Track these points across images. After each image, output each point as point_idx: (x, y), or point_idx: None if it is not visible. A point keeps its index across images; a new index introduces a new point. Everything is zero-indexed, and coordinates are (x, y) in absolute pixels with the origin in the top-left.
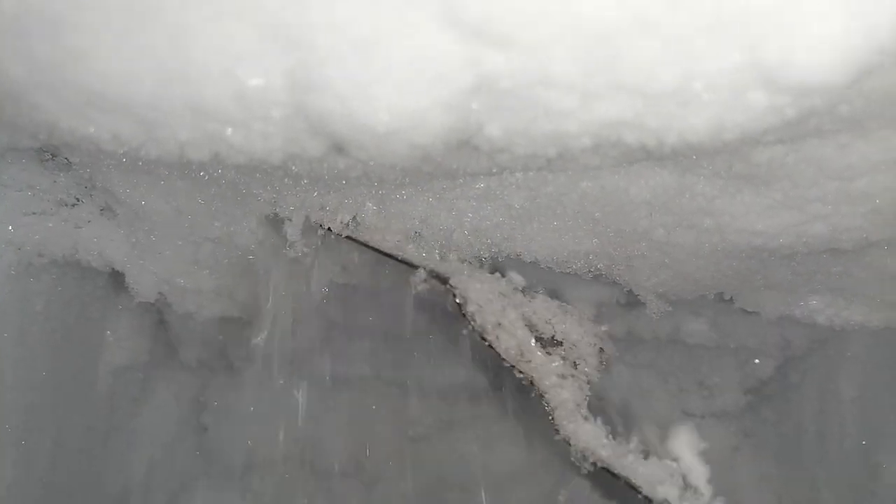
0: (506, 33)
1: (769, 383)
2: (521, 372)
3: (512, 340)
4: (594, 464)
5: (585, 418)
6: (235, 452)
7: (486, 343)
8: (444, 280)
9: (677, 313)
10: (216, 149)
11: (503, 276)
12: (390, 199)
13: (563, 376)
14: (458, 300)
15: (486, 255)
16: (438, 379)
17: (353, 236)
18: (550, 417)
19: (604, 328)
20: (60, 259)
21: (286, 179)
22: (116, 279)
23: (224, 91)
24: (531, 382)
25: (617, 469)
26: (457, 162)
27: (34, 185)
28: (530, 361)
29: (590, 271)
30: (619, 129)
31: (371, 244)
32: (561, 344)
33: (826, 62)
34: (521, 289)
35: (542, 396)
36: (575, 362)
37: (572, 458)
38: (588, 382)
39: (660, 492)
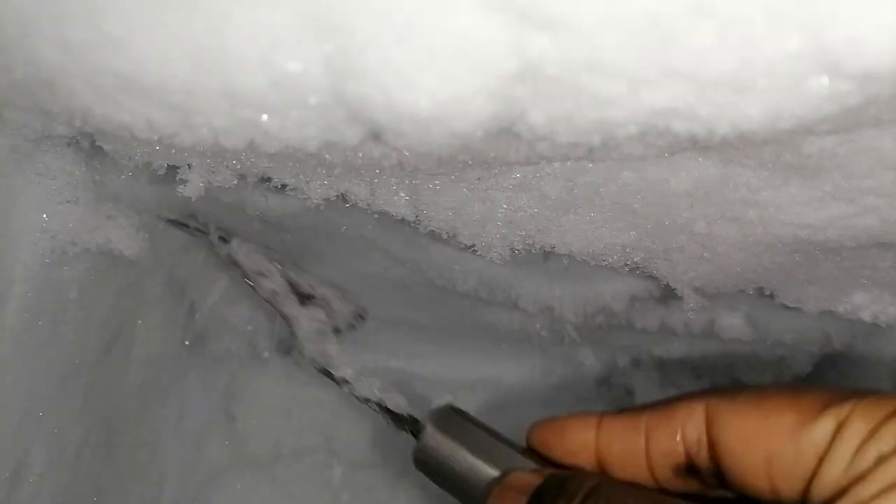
0: (553, 16)
1: (806, 379)
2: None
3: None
4: None
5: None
6: (264, 441)
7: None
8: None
9: (714, 307)
10: (251, 136)
11: None
12: (422, 188)
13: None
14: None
15: (520, 246)
16: None
17: None
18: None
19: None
20: (94, 248)
21: (319, 169)
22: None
23: (261, 78)
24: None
25: None
26: (495, 150)
27: (69, 173)
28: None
29: (626, 264)
30: (669, 117)
31: None
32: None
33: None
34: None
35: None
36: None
37: None
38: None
39: None
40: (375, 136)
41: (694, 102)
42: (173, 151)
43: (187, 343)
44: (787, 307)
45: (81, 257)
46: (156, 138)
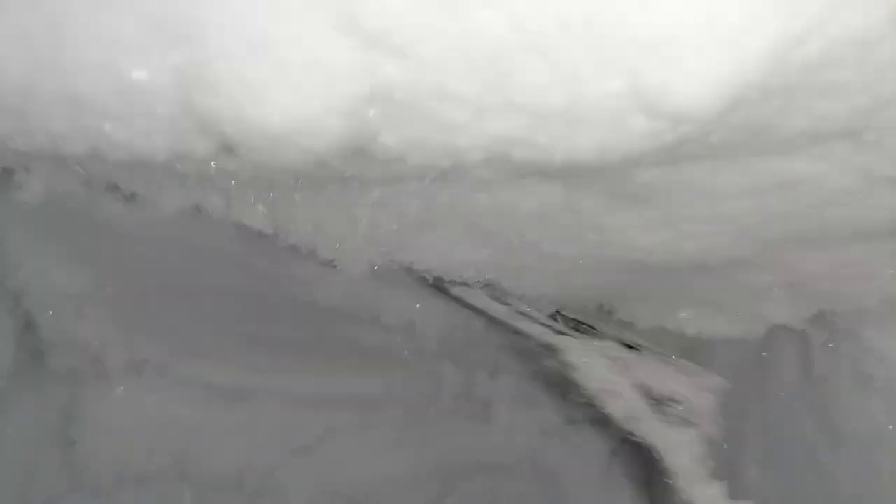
0: (402, 45)
1: None
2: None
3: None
4: None
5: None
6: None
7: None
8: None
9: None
10: (94, 143)
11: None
12: (281, 202)
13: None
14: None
15: (381, 262)
16: None
17: None
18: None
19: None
20: None
21: (171, 178)
22: None
23: (104, 84)
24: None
25: None
26: (352, 168)
27: None
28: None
29: (479, 281)
30: (510, 144)
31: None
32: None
33: (700, 92)
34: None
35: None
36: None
37: None
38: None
39: None
40: (228, 148)
41: (532, 132)
42: (7, 154)
43: (22, 360)
44: (624, 322)
45: None
46: None
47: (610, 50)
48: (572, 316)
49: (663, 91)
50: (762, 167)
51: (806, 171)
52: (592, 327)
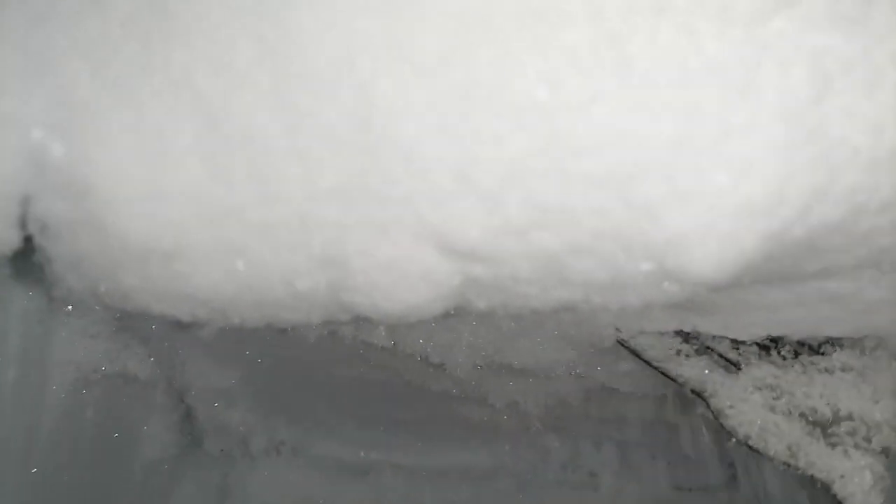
0: (483, 257)
1: None
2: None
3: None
4: None
5: None
6: None
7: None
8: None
9: None
10: (269, 321)
11: None
12: (398, 326)
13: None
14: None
15: (482, 364)
16: None
17: None
18: None
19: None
20: (112, 372)
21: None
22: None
23: (282, 292)
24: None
25: None
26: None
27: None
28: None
29: (570, 374)
30: (574, 304)
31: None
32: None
33: (712, 270)
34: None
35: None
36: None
37: None
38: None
39: None
40: (363, 319)
41: (588, 297)
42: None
43: (184, 444)
44: None
45: (101, 381)
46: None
47: (638, 248)
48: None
49: (682, 273)
50: (802, 288)
51: (842, 289)
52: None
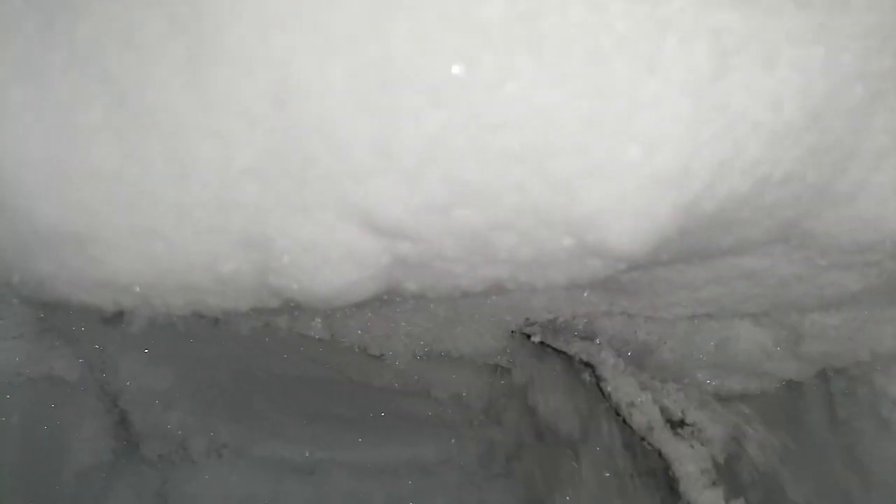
0: (408, 234)
1: None
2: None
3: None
4: None
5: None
6: None
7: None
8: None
9: None
10: (196, 308)
11: None
12: (334, 317)
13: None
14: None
15: (421, 353)
16: None
17: None
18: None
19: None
20: (37, 376)
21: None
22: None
23: (206, 274)
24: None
25: None
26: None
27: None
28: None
29: (508, 362)
30: (501, 282)
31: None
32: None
33: (629, 244)
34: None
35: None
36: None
37: None
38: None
39: None
40: (293, 304)
41: (515, 274)
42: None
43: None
44: None
45: (25, 385)
46: (120, 313)
47: (558, 224)
48: None
49: (602, 247)
50: (719, 265)
51: (757, 265)
52: None
